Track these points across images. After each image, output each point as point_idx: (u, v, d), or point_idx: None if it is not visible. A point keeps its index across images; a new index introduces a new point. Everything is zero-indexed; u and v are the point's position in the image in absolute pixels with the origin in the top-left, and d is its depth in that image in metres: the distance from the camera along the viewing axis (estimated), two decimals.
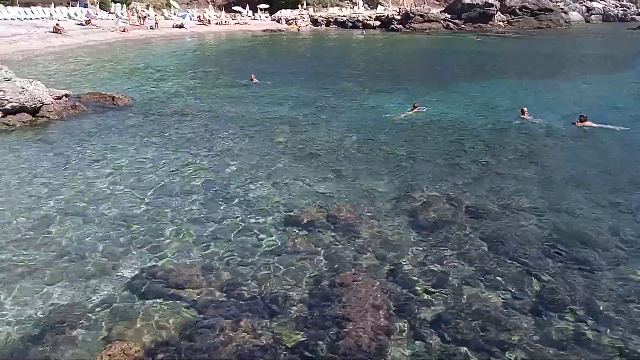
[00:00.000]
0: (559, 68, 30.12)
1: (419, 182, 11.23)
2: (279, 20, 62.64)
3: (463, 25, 60.89)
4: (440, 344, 6.23)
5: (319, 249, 8.39)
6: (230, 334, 6.21)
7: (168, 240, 8.58)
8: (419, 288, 7.36)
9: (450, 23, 61.41)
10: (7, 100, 15.02)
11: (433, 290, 7.31)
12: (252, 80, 24.10)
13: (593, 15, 76.51)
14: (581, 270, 7.73)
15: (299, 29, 59.96)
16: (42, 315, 6.55)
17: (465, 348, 6.14)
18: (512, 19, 63.65)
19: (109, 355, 5.50)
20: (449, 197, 10.32)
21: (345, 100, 20.42)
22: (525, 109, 16.90)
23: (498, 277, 7.59)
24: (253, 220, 9.37)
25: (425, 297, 7.17)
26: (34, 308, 6.69)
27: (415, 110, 17.87)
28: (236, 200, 10.21)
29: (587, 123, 15.60)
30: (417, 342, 6.28)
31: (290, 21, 62.52)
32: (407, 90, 22.72)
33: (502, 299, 7.11)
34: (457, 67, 30.92)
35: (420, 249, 8.43)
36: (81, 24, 43.72)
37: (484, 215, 9.58)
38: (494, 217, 9.55)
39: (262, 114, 17.68)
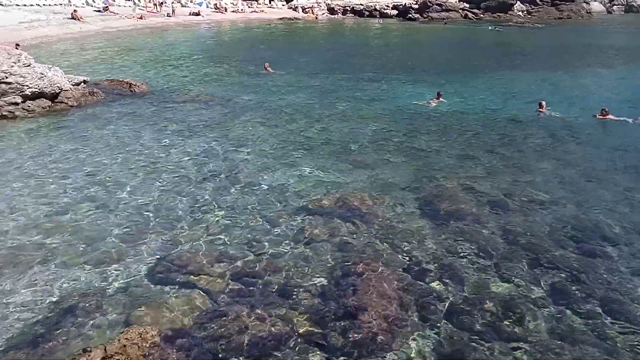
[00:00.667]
0: (579, 59, 29.54)
1: (436, 173, 11.16)
2: (295, 9, 62.27)
3: (482, 15, 59.98)
4: (453, 335, 6.22)
5: (334, 238, 8.40)
6: (245, 322, 6.26)
7: (184, 227, 8.65)
8: (433, 279, 7.34)
9: (468, 12, 60.50)
10: (27, 85, 15.17)
11: (447, 281, 7.29)
12: (266, 69, 24.03)
13: (615, 6, 74.75)
14: (600, 265, 7.64)
15: (316, 18, 59.60)
16: (61, 300, 6.65)
17: (478, 339, 6.13)
18: (532, 8, 62.47)
19: (127, 339, 5.57)
20: (465, 189, 10.25)
21: (362, 89, 20.32)
22: (543, 102, 16.65)
23: (514, 270, 7.54)
24: (268, 209, 9.40)
25: (440, 287, 7.15)
26: (53, 292, 6.80)
27: (439, 99, 17.73)
28: (251, 188, 10.25)
29: (609, 116, 15.34)
30: (430, 332, 6.28)
31: (307, 9, 62.14)
32: (424, 80, 22.51)
33: (517, 291, 7.06)
34: (475, 58, 30.50)
35: (436, 239, 8.40)
36: (99, 11, 43.86)
37: (501, 208, 9.51)
38: (510, 209, 9.46)
39: (277, 103, 17.67)
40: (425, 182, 10.66)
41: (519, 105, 17.83)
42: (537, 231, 8.63)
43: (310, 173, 11.12)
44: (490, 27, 50.56)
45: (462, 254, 7.97)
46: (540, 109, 16.45)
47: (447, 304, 6.79)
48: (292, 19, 56.99)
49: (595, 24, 56.23)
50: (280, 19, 56.42)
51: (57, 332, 6.03)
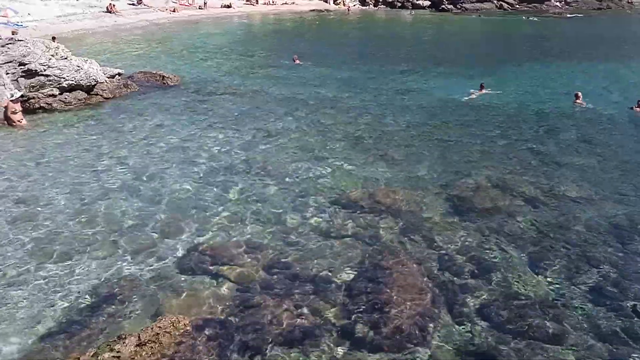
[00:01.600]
0: (618, 51, 28.55)
1: (468, 167, 11.01)
2: (326, 0, 61.96)
3: (517, 6, 58.41)
4: (484, 332, 6.14)
5: (364, 231, 8.37)
6: (274, 312, 6.31)
7: (215, 218, 8.75)
8: (464, 274, 7.25)
9: (503, 3, 58.99)
10: (64, 78, 15.55)
11: (479, 277, 7.20)
12: (295, 61, 24.01)
13: None
14: (639, 264, 7.41)
15: (348, 9, 59.17)
16: (97, 288, 6.83)
17: (509, 336, 6.03)
18: None
19: (159, 327, 5.68)
20: (498, 184, 10.07)
21: (394, 82, 20.13)
22: (579, 94, 16.20)
23: (548, 267, 7.39)
24: (298, 201, 9.43)
25: (471, 283, 7.06)
26: (90, 280, 6.98)
27: (482, 91, 17.43)
28: (281, 181, 10.29)
29: None
30: (460, 328, 6.21)
31: (338, 1, 61.73)
32: (457, 73, 22.18)
33: (550, 288, 6.93)
34: (510, 50, 29.88)
35: (467, 235, 8.28)
36: (133, 4, 44.52)
37: (536, 203, 9.31)
38: (546, 205, 9.26)
39: (308, 95, 17.65)
40: (458, 176, 10.51)
41: (555, 97, 17.42)
42: (573, 228, 8.43)
43: (340, 166, 11.09)
44: (524, 18, 49.33)
45: (494, 250, 7.84)
46: (577, 101, 16.01)
47: (478, 300, 6.70)
48: (323, 11, 56.73)
49: (637, 15, 54.18)
50: (312, 10, 56.22)
51: (93, 319, 6.19)
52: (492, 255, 7.71)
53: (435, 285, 6.97)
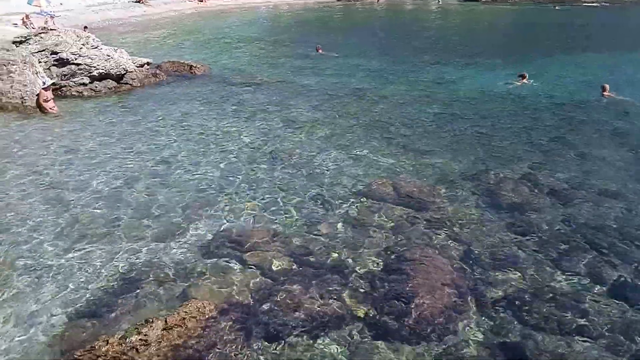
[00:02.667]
0: None
1: (497, 160, 10.82)
2: None
3: None
4: (509, 326, 6.05)
5: (389, 222, 8.32)
6: (299, 301, 6.32)
7: (241, 205, 8.82)
8: (490, 268, 7.15)
9: None
10: (95, 67, 15.84)
11: (505, 271, 7.08)
12: (318, 51, 23.93)
13: None
14: None
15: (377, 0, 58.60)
16: (125, 272, 6.96)
17: (534, 332, 5.93)
18: None
19: (185, 312, 5.76)
20: (527, 178, 9.88)
21: (421, 73, 19.91)
22: (606, 86, 15.72)
23: (577, 263, 7.22)
24: (322, 190, 9.43)
25: (497, 277, 6.95)
26: (118, 264, 7.12)
27: (524, 80, 17.10)
28: (306, 169, 10.31)
29: None
30: (485, 322, 6.13)
31: None
32: (486, 63, 21.77)
33: (579, 285, 6.77)
34: (542, 40, 29.17)
35: (494, 229, 8.15)
36: None
37: (565, 198, 9.10)
38: (575, 200, 9.04)
39: (333, 85, 17.61)
40: (486, 169, 10.33)
41: (584, 88, 16.95)
42: (604, 224, 8.21)
43: (366, 156, 11.04)
44: (553, 7, 48.17)
45: (521, 245, 7.70)
46: (605, 93, 15.57)
47: (504, 295, 6.59)
48: (351, 1, 56.37)
49: None
50: (339, 0, 55.93)
51: (121, 302, 6.31)
52: (519, 250, 7.57)
53: (460, 278, 6.89)
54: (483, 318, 6.19)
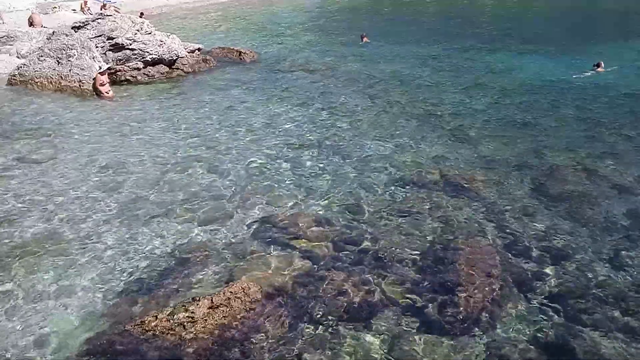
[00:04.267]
0: None
1: (552, 151, 10.47)
2: None
3: None
4: (555, 321, 5.88)
5: (435, 212, 8.20)
6: (341, 287, 6.34)
7: (286, 191, 8.90)
8: (540, 262, 6.95)
9: None
10: (148, 52, 16.25)
11: (555, 265, 6.86)
12: (363, 39, 23.65)
13: None
14: None
15: None
16: (173, 252, 7.16)
17: (583, 327, 5.74)
18: None
19: (231, 292, 5.88)
20: (583, 169, 9.51)
21: (471, 61, 19.42)
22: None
23: (630, 259, 6.91)
24: (368, 177, 9.39)
25: (545, 271, 6.76)
26: (167, 245, 7.34)
27: (599, 68, 16.50)
28: (352, 157, 10.28)
29: None
30: (532, 316, 5.97)
31: None
32: (544, 50, 20.95)
33: (631, 282, 6.46)
34: (615, 25, 27.74)
35: (545, 222, 7.90)
36: None
37: (623, 192, 8.72)
38: (635, 194, 8.61)
39: (380, 73, 17.42)
40: (539, 160, 10.01)
41: None
42: None
43: (413, 145, 10.90)
44: None
45: (573, 239, 7.44)
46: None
47: (553, 289, 6.40)
48: None
49: None
50: None
51: (169, 280, 6.52)
52: (571, 244, 7.31)
53: (506, 270, 6.72)
54: (529, 313, 6.02)
